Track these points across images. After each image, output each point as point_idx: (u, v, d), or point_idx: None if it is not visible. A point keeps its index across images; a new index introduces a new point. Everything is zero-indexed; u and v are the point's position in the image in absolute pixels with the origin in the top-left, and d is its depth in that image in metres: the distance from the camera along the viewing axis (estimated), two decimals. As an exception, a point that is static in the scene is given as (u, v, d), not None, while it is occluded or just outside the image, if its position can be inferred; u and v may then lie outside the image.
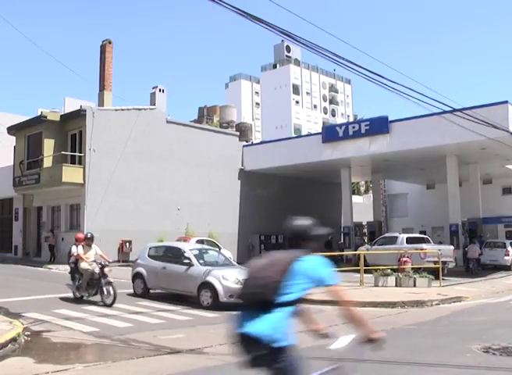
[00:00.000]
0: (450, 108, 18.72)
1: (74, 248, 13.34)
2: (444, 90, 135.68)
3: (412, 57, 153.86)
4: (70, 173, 24.60)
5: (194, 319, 11.35)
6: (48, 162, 25.96)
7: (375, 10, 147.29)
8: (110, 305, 12.23)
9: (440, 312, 12.80)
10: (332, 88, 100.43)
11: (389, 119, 26.01)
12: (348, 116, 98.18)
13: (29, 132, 27.46)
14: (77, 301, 13.49)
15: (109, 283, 12.50)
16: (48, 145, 26.18)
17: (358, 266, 19.36)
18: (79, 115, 25.26)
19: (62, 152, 25.74)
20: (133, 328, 10.03)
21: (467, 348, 8.18)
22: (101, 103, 27.37)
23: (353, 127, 27.43)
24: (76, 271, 13.15)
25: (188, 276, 13.25)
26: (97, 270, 12.64)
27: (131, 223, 25.58)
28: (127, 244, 25.45)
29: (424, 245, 22.80)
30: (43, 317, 10.80)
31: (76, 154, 25.74)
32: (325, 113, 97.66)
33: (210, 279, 12.73)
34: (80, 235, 13.74)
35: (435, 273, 18.29)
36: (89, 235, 13.45)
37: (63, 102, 34.41)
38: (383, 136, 25.80)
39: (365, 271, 18.33)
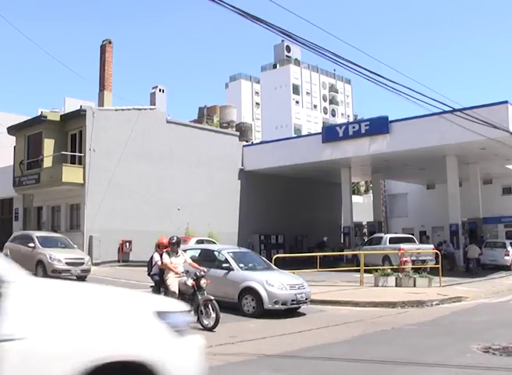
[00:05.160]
0: (450, 108, 18.71)
1: (157, 257, 10.95)
2: (444, 90, 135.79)
3: (412, 57, 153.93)
4: (70, 173, 24.60)
5: (194, 318, 11.34)
6: (47, 162, 25.96)
7: (374, 10, 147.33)
8: (211, 329, 9.74)
9: (440, 312, 12.80)
10: (332, 88, 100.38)
11: (389, 119, 26.04)
12: (348, 116, 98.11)
13: (29, 132, 27.46)
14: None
15: (209, 301, 9.98)
16: (48, 145, 26.17)
17: (358, 266, 19.41)
18: (79, 115, 25.26)
19: (62, 152, 25.74)
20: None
21: (467, 348, 8.18)
22: (101, 103, 27.37)
23: (353, 127, 27.45)
24: (161, 284, 10.76)
25: (228, 281, 12.26)
26: (189, 283, 10.17)
27: (131, 223, 25.57)
28: (127, 244, 25.45)
29: (401, 245, 23.13)
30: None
31: (76, 154, 25.73)
32: (325, 113, 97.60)
33: (252, 284, 11.84)
34: (164, 240, 11.17)
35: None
36: (174, 239, 10.77)
37: (63, 102, 34.50)
38: (383, 136, 25.82)
39: (365, 271, 18.33)
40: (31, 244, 18.28)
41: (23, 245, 18.72)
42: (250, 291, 11.88)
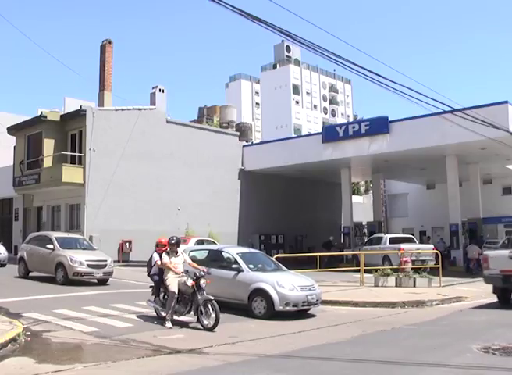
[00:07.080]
0: (450, 108, 18.70)
1: (156, 256, 10.97)
2: (444, 90, 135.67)
3: (412, 57, 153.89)
4: (70, 173, 24.60)
5: (194, 318, 11.33)
6: (47, 162, 25.96)
7: (374, 10, 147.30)
8: (211, 329, 9.81)
9: (440, 312, 12.80)
10: (332, 88, 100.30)
11: (389, 119, 26.06)
12: (348, 116, 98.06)
13: (29, 132, 27.47)
14: (78, 301, 13.22)
15: (209, 301, 9.99)
16: (48, 145, 26.18)
17: (358, 266, 19.41)
18: (79, 115, 25.27)
19: (62, 152, 25.75)
20: (133, 328, 10.01)
21: (467, 348, 8.18)
22: (101, 103, 27.38)
23: (353, 127, 27.46)
24: (161, 284, 10.80)
25: (237, 282, 12.03)
26: (189, 283, 10.19)
27: (131, 223, 25.56)
28: (127, 244, 25.46)
29: (401, 245, 23.12)
30: (43, 317, 10.79)
31: (76, 154, 25.74)
32: (325, 113, 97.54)
33: (263, 285, 11.60)
34: (163, 240, 11.19)
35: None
36: (174, 239, 10.78)
37: (63, 102, 34.40)
38: (383, 136, 25.84)
39: (365, 271, 18.33)
40: (50, 246, 17.37)
41: (41, 247, 17.83)
42: (260, 293, 11.67)
